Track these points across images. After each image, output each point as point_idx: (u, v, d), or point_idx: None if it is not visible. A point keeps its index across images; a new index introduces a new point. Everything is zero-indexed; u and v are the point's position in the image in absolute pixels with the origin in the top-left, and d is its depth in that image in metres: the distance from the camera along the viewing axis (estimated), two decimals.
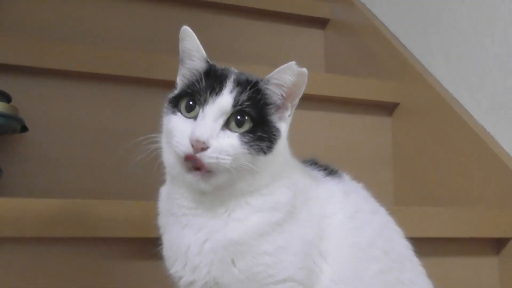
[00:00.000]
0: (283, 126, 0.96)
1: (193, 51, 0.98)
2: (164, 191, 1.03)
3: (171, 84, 1.01)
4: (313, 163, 1.08)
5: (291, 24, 2.45)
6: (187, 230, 0.94)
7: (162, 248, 1.01)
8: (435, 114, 1.83)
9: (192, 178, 0.90)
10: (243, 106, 0.91)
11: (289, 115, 0.98)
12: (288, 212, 0.94)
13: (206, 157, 0.87)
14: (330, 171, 1.06)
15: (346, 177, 1.08)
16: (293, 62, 0.94)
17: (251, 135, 0.90)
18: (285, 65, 0.94)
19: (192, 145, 0.87)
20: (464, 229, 1.52)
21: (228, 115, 0.91)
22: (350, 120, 1.99)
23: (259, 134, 0.91)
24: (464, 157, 1.71)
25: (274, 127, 0.94)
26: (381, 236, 1.03)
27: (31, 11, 2.00)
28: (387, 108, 2.03)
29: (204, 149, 0.87)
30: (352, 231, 1.00)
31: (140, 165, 1.58)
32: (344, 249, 0.98)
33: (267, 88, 0.95)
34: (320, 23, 2.49)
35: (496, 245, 1.58)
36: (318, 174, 1.05)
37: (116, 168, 1.63)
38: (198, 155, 0.87)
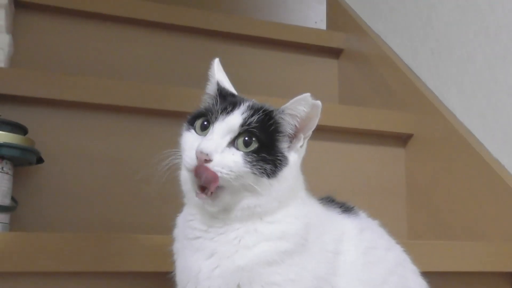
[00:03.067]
0: (293, 155, 0.97)
1: (213, 79, 1.04)
2: (181, 218, 1.04)
3: (185, 115, 1.02)
4: (330, 200, 1.08)
5: (304, 54, 2.45)
6: (199, 254, 0.95)
7: (174, 274, 1.01)
8: (449, 146, 1.83)
9: (199, 200, 0.92)
10: (251, 126, 0.93)
11: (301, 146, 0.98)
12: (298, 244, 0.94)
13: (214, 166, 0.89)
14: (346, 208, 1.07)
15: (362, 214, 1.08)
16: (308, 94, 0.94)
17: (255, 155, 0.92)
18: (300, 96, 0.95)
19: (197, 157, 0.89)
20: (479, 263, 1.51)
21: (236, 133, 0.92)
22: (363, 151, 1.98)
23: (263, 155, 0.92)
24: (478, 189, 1.70)
25: (282, 153, 0.95)
26: (394, 273, 1.03)
27: (46, 43, 2.02)
28: (401, 139, 2.02)
29: (207, 161, 0.89)
30: (364, 267, 1.00)
31: (156, 197, 1.60)
32: (356, 285, 0.98)
33: (281, 117, 0.96)
34: (334, 53, 2.50)
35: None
36: (334, 210, 1.05)
37: (132, 200, 1.64)
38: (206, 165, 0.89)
